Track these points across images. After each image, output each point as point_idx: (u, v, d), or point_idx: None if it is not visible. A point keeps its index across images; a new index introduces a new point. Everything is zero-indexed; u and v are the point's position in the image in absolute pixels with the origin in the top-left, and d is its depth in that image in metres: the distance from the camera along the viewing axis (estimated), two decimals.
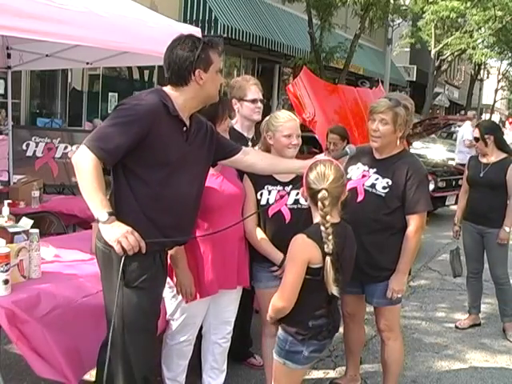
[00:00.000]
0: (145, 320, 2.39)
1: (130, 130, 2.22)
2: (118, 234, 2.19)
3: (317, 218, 2.37)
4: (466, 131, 10.67)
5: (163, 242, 2.42)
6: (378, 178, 3.00)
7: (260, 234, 2.92)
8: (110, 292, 2.37)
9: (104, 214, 2.18)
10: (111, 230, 2.19)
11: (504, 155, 4.45)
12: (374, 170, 3.03)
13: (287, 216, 2.89)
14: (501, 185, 4.36)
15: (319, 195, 2.31)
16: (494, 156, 4.45)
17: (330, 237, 2.27)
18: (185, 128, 2.40)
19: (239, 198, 2.88)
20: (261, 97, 3.39)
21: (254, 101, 3.35)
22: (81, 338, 2.62)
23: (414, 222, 2.96)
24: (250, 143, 3.34)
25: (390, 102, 2.94)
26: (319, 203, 2.30)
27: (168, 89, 2.39)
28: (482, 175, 4.46)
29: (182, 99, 2.37)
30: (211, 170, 2.79)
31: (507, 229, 4.35)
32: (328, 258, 2.27)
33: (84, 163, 2.19)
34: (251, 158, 2.71)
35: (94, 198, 2.19)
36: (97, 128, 2.30)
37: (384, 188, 2.98)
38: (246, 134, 3.39)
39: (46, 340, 2.47)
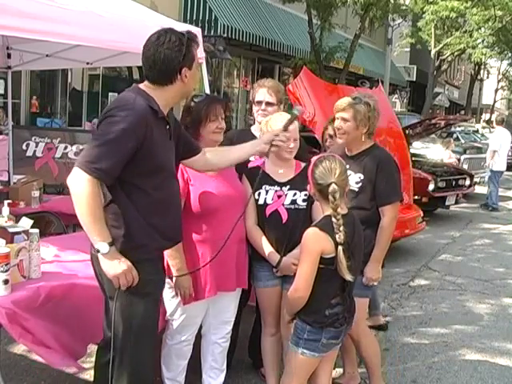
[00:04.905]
0: (151, 324, 2.40)
1: (126, 144, 2.14)
2: (118, 271, 2.17)
3: (326, 211, 2.48)
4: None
5: (163, 246, 2.41)
6: (350, 174, 3.06)
7: (259, 233, 2.93)
8: (112, 299, 2.32)
9: (105, 246, 2.14)
10: (111, 264, 2.17)
11: None
12: (347, 166, 3.06)
13: (284, 216, 2.90)
14: None
15: (330, 189, 2.42)
16: None
17: (342, 227, 2.39)
18: (168, 126, 2.39)
19: (238, 199, 2.84)
20: (269, 99, 3.28)
21: (258, 103, 3.32)
22: (78, 322, 2.69)
23: (387, 212, 3.06)
24: None
25: (350, 100, 3.09)
26: (330, 197, 2.42)
27: (148, 88, 2.31)
28: None
29: (165, 98, 2.33)
30: (209, 172, 2.79)
31: None
32: (340, 248, 2.38)
33: (82, 188, 2.10)
34: (206, 155, 2.64)
35: (93, 226, 2.13)
36: (89, 146, 2.18)
37: (357, 183, 3.08)
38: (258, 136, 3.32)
39: (48, 330, 2.51)
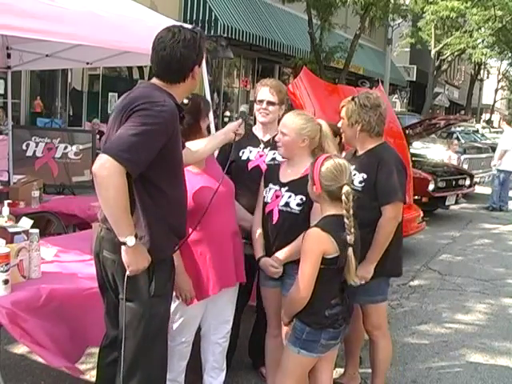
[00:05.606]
0: (167, 324, 2.42)
1: (159, 139, 2.12)
2: (140, 266, 2.16)
3: (327, 212, 2.46)
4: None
5: (176, 244, 2.41)
6: (355, 174, 3.04)
7: (257, 229, 2.95)
8: (131, 301, 2.27)
9: (132, 239, 2.10)
10: (135, 257, 2.15)
11: None
12: (353, 166, 3.04)
13: (275, 217, 2.89)
14: None
15: (344, 190, 2.39)
16: None
17: (353, 229, 2.37)
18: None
19: (225, 195, 2.82)
20: (270, 99, 3.24)
21: (260, 101, 3.29)
22: (77, 323, 2.69)
23: (386, 211, 2.98)
24: (262, 145, 3.28)
25: (347, 99, 3.12)
26: (343, 197, 2.38)
27: (163, 85, 2.30)
28: None
29: (178, 94, 2.34)
30: (194, 169, 2.79)
31: None
32: (350, 249, 2.37)
33: (113, 178, 2.01)
34: (187, 150, 2.62)
35: (122, 219, 2.09)
36: (120, 135, 2.08)
37: (360, 182, 3.03)
38: (260, 136, 3.32)
39: (46, 332, 2.50)
